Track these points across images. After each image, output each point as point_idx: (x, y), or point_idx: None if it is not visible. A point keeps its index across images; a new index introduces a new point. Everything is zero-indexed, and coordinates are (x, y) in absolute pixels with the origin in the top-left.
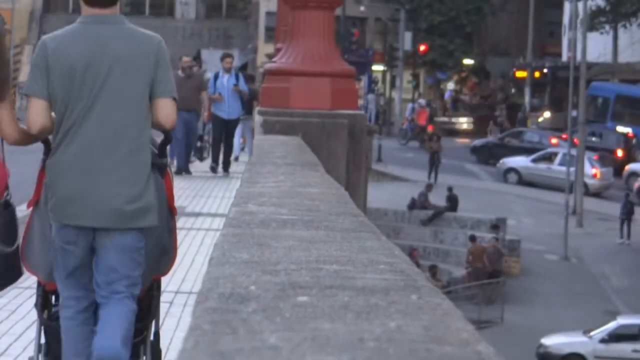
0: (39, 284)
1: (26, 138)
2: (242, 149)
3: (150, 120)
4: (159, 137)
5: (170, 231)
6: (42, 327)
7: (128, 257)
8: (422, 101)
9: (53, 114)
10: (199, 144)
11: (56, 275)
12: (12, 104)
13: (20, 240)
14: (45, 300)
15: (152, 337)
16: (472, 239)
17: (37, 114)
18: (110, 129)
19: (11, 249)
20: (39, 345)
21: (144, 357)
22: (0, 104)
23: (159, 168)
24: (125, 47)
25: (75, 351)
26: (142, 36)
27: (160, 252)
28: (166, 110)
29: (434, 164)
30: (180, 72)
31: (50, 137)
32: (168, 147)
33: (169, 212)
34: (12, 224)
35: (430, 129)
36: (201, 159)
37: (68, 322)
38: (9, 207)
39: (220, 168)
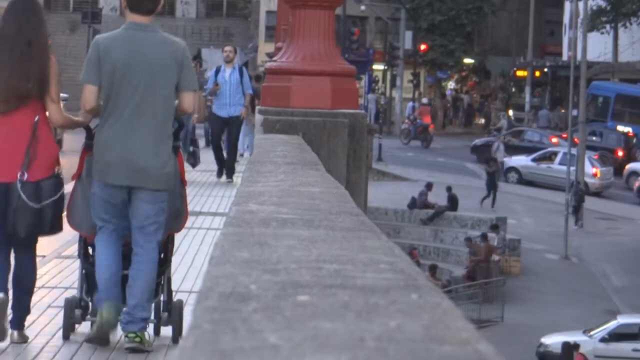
0: (81, 238)
1: (69, 123)
2: None
3: (174, 107)
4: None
5: (182, 198)
6: (84, 271)
7: (157, 207)
8: (424, 100)
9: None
10: (191, 148)
11: (94, 214)
12: (57, 95)
13: (46, 201)
14: (86, 251)
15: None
16: (485, 237)
17: (90, 96)
18: (144, 113)
19: (35, 205)
20: (81, 285)
21: (162, 295)
22: (46, 96)
23: (173, 149)
24: (158, 50)
25: (106, 267)
26: (171, 41)
27: (176, 214)
28: (188, 100)
29: (492, 186)
30: None
31: (91, 124)
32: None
33: (181, 183)
34: (53, 190)
35: (432, 128)
36: (194, 164)
37: (103, 242)
38: (57, 178)
39: (223, 175)
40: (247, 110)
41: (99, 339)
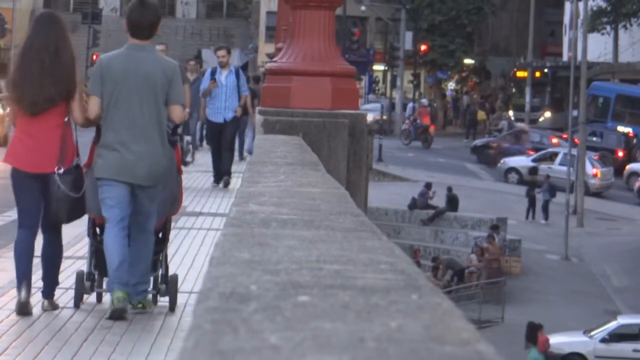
0: (90, 219)
1: (87, 123)
2: None
3: (166, 115)
4: None
5: (178, 185)
6: (92, 248)
7: (152, 198)
8: (424, 101)
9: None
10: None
11: (105, 209)
12: (81, 96)
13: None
14: (94, 231)
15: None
16: (493, 238)
17: (94, 106)
18: (140, 120)
19: (77, 195)
20: (90, 260)
21: (160, 270)
22: (72, 98)
23: (171, 143)
24: (152, 67)
25: (115, 255)
26: (164, 60)
27: (173, 199)
28: (176, 113)
29: (533, 199)
30: None
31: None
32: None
33: (177, 172)
34: (79, 179)
35: (432, 128)
36: (184, 163)
37: (112, 237)
38: (78, 168)
39: (221, 181)
40: (241, 110)
41: (117, 315)
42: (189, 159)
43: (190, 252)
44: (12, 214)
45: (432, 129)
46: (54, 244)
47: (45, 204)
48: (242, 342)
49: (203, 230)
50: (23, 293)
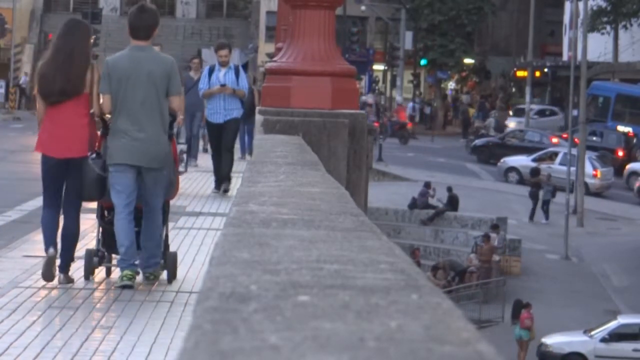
0: (98, 203)
1: (100, 115)
2: None
3: (167, 107)
4: None
5: (175, 172)
6: (100, 228)
7: (159, 180)
8: (399, 98)
9: None
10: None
11: (113, 194)
12: (97, 92)
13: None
14: (102, 213)
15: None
16: (488, 237)
17: (107, 103)
18: (145, 111)
19: (105, 174)
20: (98, 239)
21: (161, 248)
22: (90, 94)
23: (168, 136)
24: (152, 65)
25: (125, 238)
26: (162, 58)
27: (170, 184)
28: (176, 102)
29: (536, 200)
30: None
31: (107, 116)
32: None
33: (173, 161)
34: (104, 163)
35: (409, 126)
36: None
37: (121, 222)
38: (99, 154)
39: (221, 186)
40: (231, 89)
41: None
42: (181, 169)
43: (190, 252)
44: (12, 214)
45: (409, 126)
46: (74, 224)
47: (68, 186)
48: (242, 342)
49: (203, 230)
50: (51, 250)
